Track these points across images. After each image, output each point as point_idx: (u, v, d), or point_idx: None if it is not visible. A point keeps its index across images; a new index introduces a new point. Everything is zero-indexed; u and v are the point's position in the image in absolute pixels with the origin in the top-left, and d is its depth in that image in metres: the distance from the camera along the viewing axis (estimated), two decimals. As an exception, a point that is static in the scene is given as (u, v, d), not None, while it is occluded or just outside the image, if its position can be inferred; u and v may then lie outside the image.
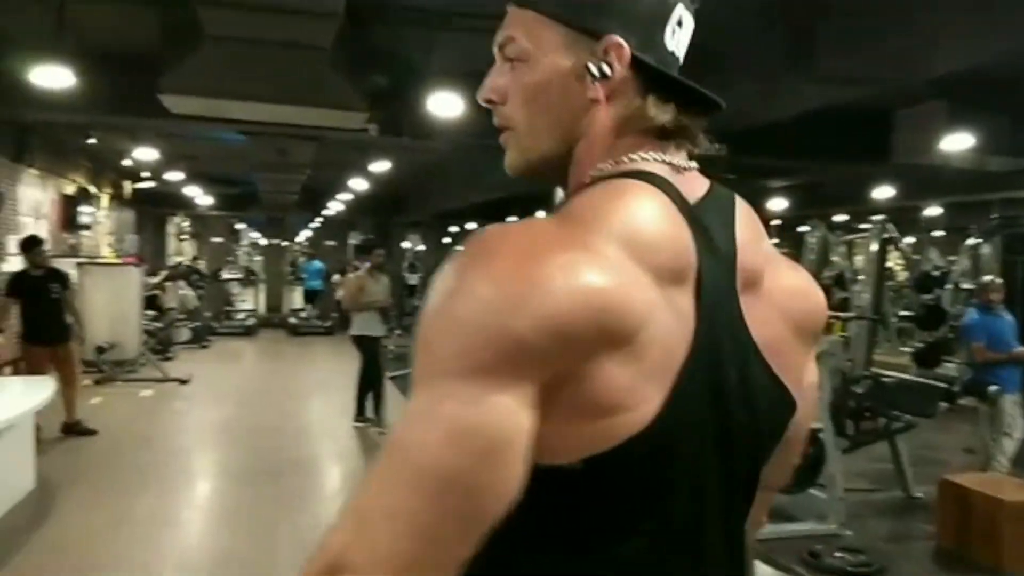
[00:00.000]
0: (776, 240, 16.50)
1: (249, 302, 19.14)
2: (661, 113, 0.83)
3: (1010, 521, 4.27)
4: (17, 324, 6.96)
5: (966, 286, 10.71)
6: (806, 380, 0.92)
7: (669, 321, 0.73)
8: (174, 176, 13.45)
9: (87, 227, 11.60)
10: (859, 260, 10.94)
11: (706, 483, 0.80)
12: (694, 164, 0.86)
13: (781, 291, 0.87)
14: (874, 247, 7.89)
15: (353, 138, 9.22)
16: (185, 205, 17.66)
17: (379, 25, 5.27)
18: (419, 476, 0.65)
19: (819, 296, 0.93)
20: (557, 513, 0.74)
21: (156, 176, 13.46)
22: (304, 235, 24.00)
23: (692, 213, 0.79)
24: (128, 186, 14.35)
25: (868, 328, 6.75)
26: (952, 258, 16.24)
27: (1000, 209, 11.88)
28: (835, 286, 11.30)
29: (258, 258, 20.83)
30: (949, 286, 10.68)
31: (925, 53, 5.46)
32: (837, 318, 10.09)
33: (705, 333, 0.76)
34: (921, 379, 6.43)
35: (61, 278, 7.02)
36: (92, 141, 10.15)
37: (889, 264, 9.76)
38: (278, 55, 4.76)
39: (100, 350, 9.93)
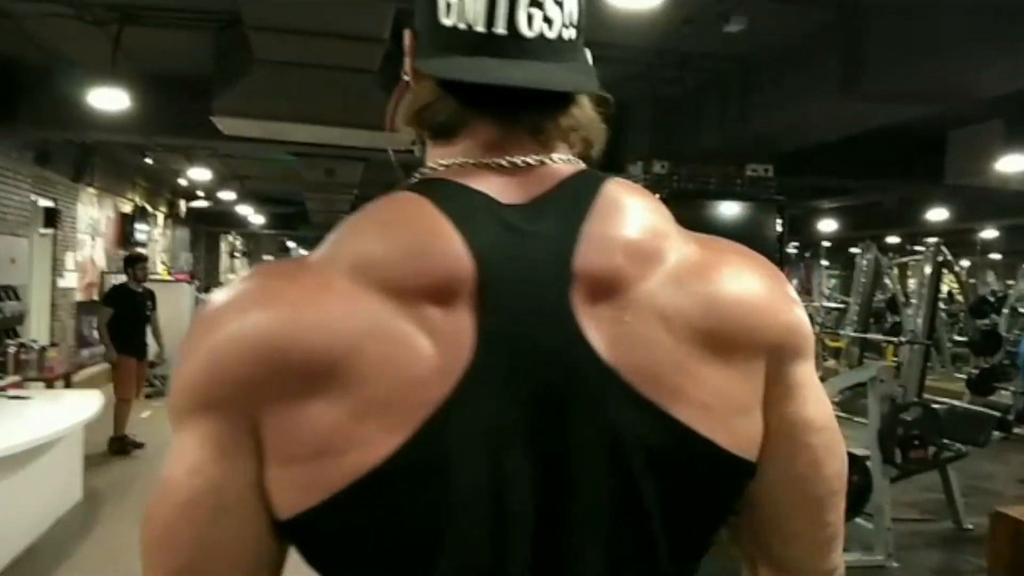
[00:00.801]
0: (826, 262, 16.24)
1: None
2: (437, 112, 0.70)
3: (1067, 557, 4.11)
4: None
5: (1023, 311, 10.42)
6: (724, 403, 0.66)
7: (408, 349, 0.60)
8: (227, 195, 13.80)
9: (142, 244, 11.93)
10: (912, 283, 10.72)
11: (501, 552, 0.61)
12: (543, 159, 0.69)
13: (672, 295, 0.65)
14: (928, 270, 7.71)
15: (401, 158, 9.37)
16: (238, 223, 18.07)
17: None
18: (144, 530, 0.65)
19: (749, 299, 0.69)
20: None
21: (210, 195, 13.81)
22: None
23: (465, 218, 0.63)
24: (183, 205, 14.74)
25: (921, 353, 6.58)
26: (1010, 282, 15.81)
27: (1061, 232, 11.55)
28: (888, 309, 11.09)
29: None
30: (1006, 311, 10.40)
31: (978, 73, 5.34)
32: (889, 342, 9.91)
33: (489, 359, 0.61)
34: (974, 407, 6.23)
35: (153, 297, 7.33)
36: (148, 161, 10.47)
37: (944, 288, 9.53)
38: (327, 78, 4.86)
39: (151, 364, 10.17)
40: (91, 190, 9.94)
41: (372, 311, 0.61)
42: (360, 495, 0.60)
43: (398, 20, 4.15)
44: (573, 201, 0.67)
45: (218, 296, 0.66)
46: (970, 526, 5.41)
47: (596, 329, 0.63)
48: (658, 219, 0.68)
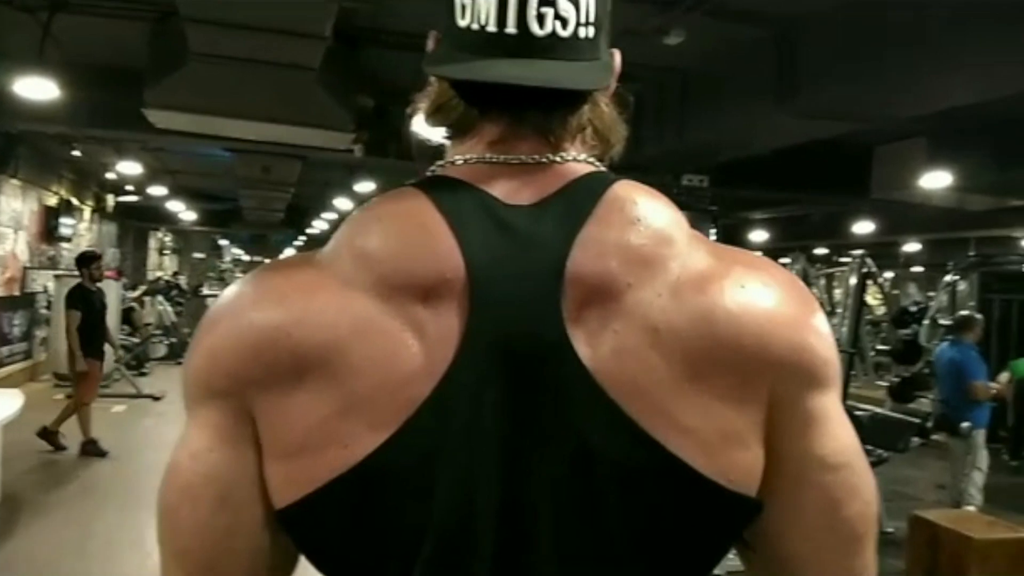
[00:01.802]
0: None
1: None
2: (450, 111, 0.71)
3: (977, 558, 4.28)
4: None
5: (943, 322, 10.83)
6: (714, 433, 0.63)
7: (395, 348, 0.61)
8: (158, 190, 13.42)
9: (67, 239, 11.52)
10: (838, 293, 11.05)
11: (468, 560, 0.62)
12: (553, 157, 0.69)
13: (665, 308, 0.63)
14: (853, 281, 7.97)
15: (340, 158, 9.26)
16: (168, 220, 17.60)
17: (368, 47, 5.31)
18: (157, 510, 0.69)
19: (751, 316, 0.64)
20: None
21: (139, 190, 13.42)
22: (288, 253, 23.98)
23: (471, 214, 0.64)
24: (110, 199, 14.29)
25: (846, 361, 6.80)
26: (931, 294, 16.43)
27: (977, 247, 12.06)
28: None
29: (240, 275, 20.75)
30: (926, 322, 10.80)
31: (903, 94, 5.56)
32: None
33: (472, 361, 0.61)
34: (895, 414, 6.46)
35: (103, 294, 7.16)
36: (76, 153, 10.12)
37: (867, 298, 9.86)
38: (265, 74, 4.78)
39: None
40: (15, 182, 9.57)
41: (363, 308, 0.62)
42: (343, 490, 0.61)
43: (341, 18, 4.10)
44: (578, 203, 0.66)
45: (222, 294, 0.71)
46: (890, 529, 5.59)
47: (583, 336, 0.62)
48: (665, 224, 0.66)
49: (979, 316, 6.74)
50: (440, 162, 0.72)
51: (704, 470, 0.62)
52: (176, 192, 14.25)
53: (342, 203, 12.64)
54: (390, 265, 0.63)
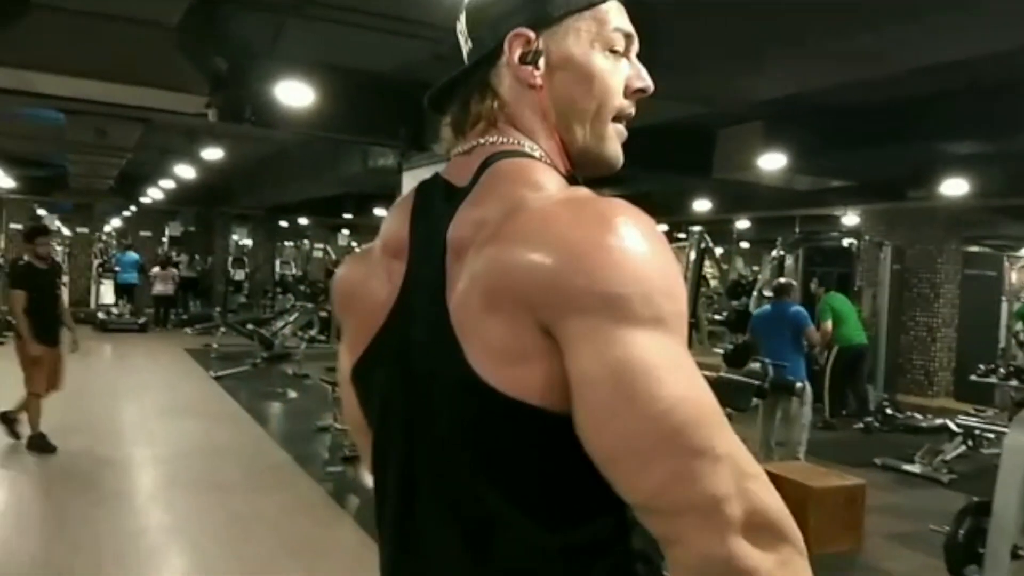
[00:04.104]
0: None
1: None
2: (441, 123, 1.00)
3: (816, 506, 4.73)
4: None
5: (767, 293, 11.72)
6: (499, 351, 0.79)
7: (380, 287, 0.93)
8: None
9: None
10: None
11: (391, 452, 0.92)
12: (491, 144, 0.91)
13: (478, 257, 0.80)
14: (692, 255, 8.47)
15: (183, 122, 8.76)
16: (-22, 186, 16.00)
17: (226, 4, 5.05)
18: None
19: (505, 261, 0.78)
20: None
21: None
22: (113, 224, 22.35)
23: (426, 197, 0.93)
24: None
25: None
26: (756, 268, 17.64)
27: (802, 224, 13.07)
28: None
29: (59, 248, 19.13)
30: (755, 293, 11.64)
31: (747, 79, 5.96)
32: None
33: (404, 298, 0.89)
34: (736, 376, 6.96)
35: (59, 272, 6.46)
36: None
37: (704, 272, 10.49)
38: (118, 30, 4.45)
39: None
40: None
41: (372, 264, 0.96)
42: (355, 375, 0.99)
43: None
44: (473, 182, 0.88)
45: None
46: (734, 484, 6.05)
47: (451, 283, 0.83)
48: (512, 191, 0.84)
49: (794, 282, 7.51)
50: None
51: (494, 383, 0.78)
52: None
53: (184, 170, 11.99)
54: (384, 235, 0.97)
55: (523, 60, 0.90)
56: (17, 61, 4.82)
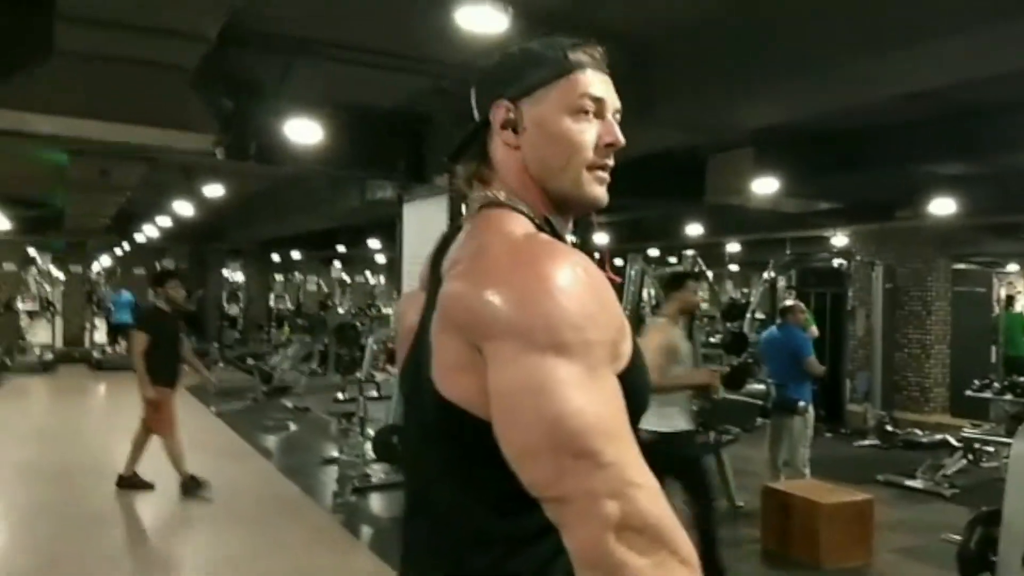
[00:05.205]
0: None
1: (42, 335, 17.50)
2: None
3: (825, 522, 4.83)
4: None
5: (759, 316, 11.84)
6: (447, 365, 0.98)
7: (413, 314, 1.11)
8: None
9: None
10: (674, 291, 11.82)
11: (407, 448, 1.15)
12: (480, 197, 1.11)
13: (443, 289, 1.01)
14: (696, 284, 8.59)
15: (183, 159, 8.87)
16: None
17: (235, 47, 5.19)
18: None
19: (451, 292, 0.98)
20: None
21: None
22: (104, 262, 22.29)
23: (444, 240, 1.15)
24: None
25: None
26: (745, 290, 17.80)
27: (792, 246, 13.26)
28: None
29: (48, 288, 19.01)
30: (749, 315, 11.77)
31: (740, 109, 6.14)
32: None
33: (422, 318, 1.07)
34: (741, 397, 7.07)
35: (183, 316, 6.61)
36: None
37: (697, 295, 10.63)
38: (136, 74, 4.57)
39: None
40: None
41: (414, 294, 1.19)
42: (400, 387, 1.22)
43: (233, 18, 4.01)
44: (465, 229, 1.10)
45: None
46: (741, 503, 6.14)
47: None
48: (477, 238, 1.05)
49: (800, 303, 7.55)
50: None
51: (442, 389, 0.98)
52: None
53: (182, 207, 12.06)
54: (421, 269, 1.19)
55: (504, 126, 1.10)
56: (25, 104, 4.92)
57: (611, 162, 1.12)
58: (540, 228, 1.08)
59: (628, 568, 0.83)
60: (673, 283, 4.69)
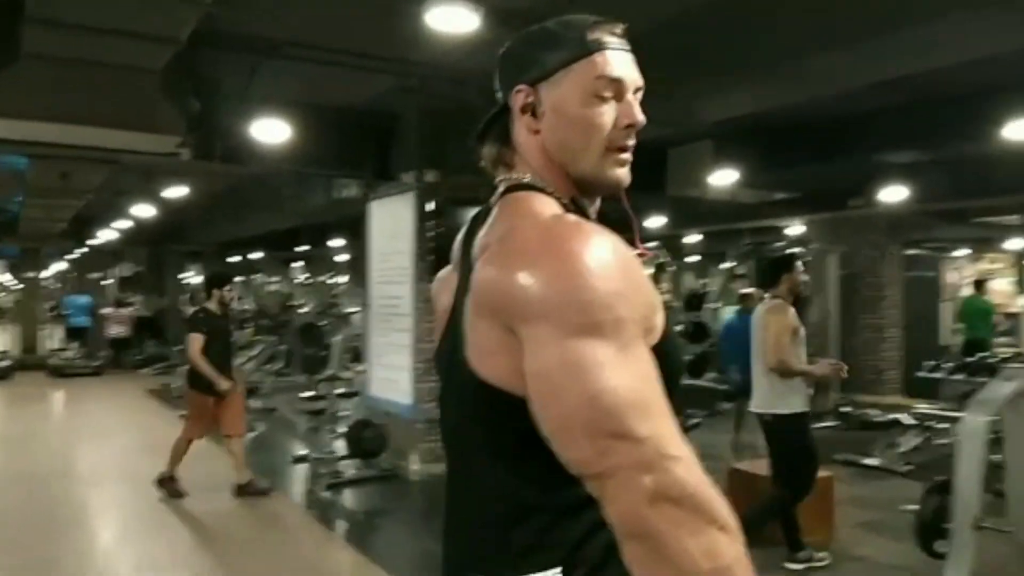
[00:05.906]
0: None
1: (-2, 343, 17.13)
2: None
3: (790, 498, 4.99)
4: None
5: (714, 305, 12.08)
6: (482, 347, 1.01)
7: (447, 296, 1.16)
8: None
9: None
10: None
11: (444, 424, 1.18)
12: (505, 179, 1.16)
13: (476, 272, 1.03)
14: (649, 271, 8.75)
15: (144, 161, 8.79)
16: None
17: (202, 47, 5.20)
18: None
19: (483, 276, 1.01)
20: None
21: None
22: (57, 267, 21.89)
23: (473, 222, 1.17)
24: None
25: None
26: (703, 281, 18.10)
27: (750, 236, 13.51)
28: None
29: (1, 294, 18.61)
30: (708, 306, 12.00)
31: (702, 103, 6.33)
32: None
33: (455, 300, 1.11)
34: (706, 383, 7.29)
35: (232, 319, 6.55)
36: None
37: (661, 287, 10.82)
38: (101, 76, 4.56)
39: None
40: None
41: (448, 275, 1.24)
42: (434, 366, 1.26)
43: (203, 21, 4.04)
44: (493, 211, 1.13)
45: None
46: (708, 486, 6.30)
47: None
48: (506, 221, 1.08)
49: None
50: None
51: (478, 370, 1.02)
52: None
53: (142, 209, 11.92)
54: (453, 251, 1.23)
55: (523, 111, 1.13)
56: (6, 110, 4.90)
57: (632, 142, 1.14)
58: (566, 208, 1.10)
59: (668, 535, 0.86)
60: (783, 264, 4.90)
